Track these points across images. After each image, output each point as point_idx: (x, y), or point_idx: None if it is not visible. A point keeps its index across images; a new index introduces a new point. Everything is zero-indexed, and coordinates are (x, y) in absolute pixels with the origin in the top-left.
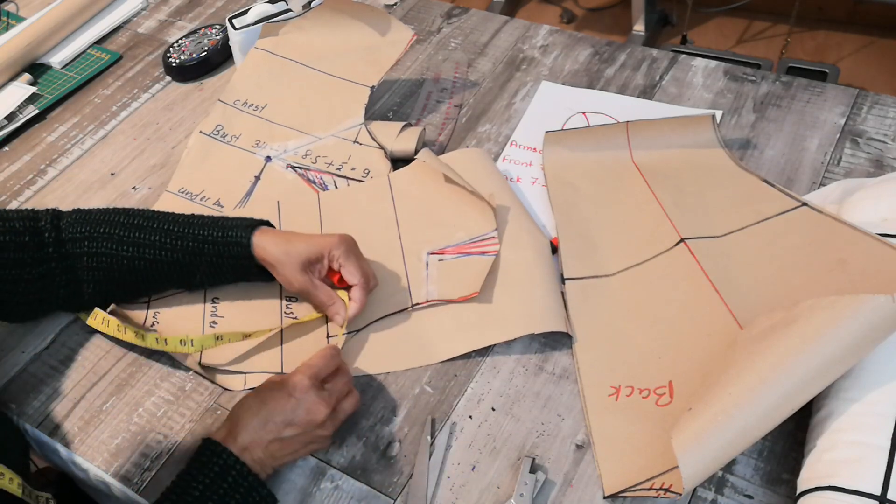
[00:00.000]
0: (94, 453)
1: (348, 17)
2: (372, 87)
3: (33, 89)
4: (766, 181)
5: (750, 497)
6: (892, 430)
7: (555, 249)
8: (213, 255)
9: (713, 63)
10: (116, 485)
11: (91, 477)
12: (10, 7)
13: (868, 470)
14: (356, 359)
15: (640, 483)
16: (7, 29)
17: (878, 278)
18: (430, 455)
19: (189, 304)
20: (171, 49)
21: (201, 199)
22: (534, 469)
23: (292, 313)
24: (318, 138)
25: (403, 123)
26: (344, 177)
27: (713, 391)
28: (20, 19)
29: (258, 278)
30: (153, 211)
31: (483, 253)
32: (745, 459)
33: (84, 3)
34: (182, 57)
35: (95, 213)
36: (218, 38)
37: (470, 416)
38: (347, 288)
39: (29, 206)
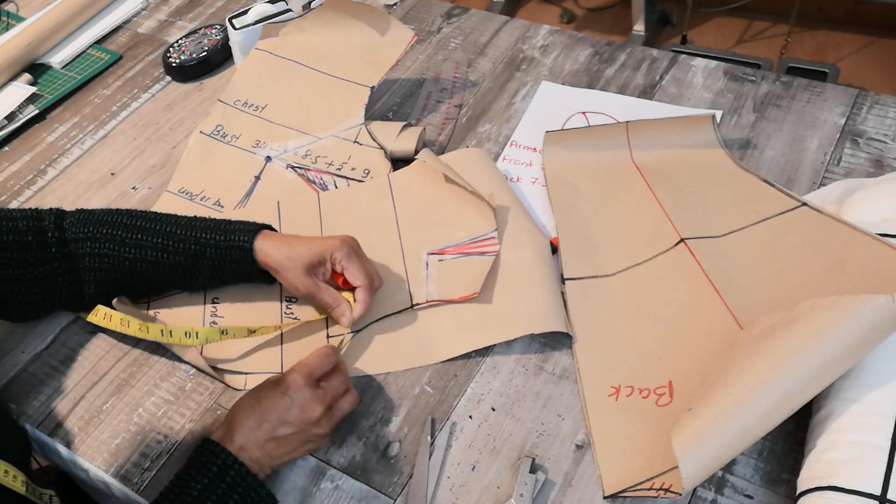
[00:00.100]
0: (95, 453)
1: (348, 18)
2: (372, 88)
3: (33, 89)
4: (766, 181)
5: (750, 497)
6: (892, 430)
7: (555, 249)
8: (215, 259)
9: (713, 63)
10: (116, 485)
11: (91, 477)
12: (10, 7)
13: (868, 470)
14: (356, 359)
15: (640, 483)
16: (7, 29)
17: (878, 278)
18: (430, 455)
19: (189, 304)
20: (171, 49)
21: (201, 200)
22: (534, 469)
23: (292, 314)
24: (318, 138)
25: (403, 123)
26: (344, 177)
27: (713, 391)
28: (20, 19)
29: (260, 281)
30: (156, 213)
31: (483, 253)
32: (745, 459)
33: (84, 3)
34: (182, 57)
35: (99, 213)
36: (218, 38)
37: (470, 416)
38: (352, 289)
39: (29, 206)
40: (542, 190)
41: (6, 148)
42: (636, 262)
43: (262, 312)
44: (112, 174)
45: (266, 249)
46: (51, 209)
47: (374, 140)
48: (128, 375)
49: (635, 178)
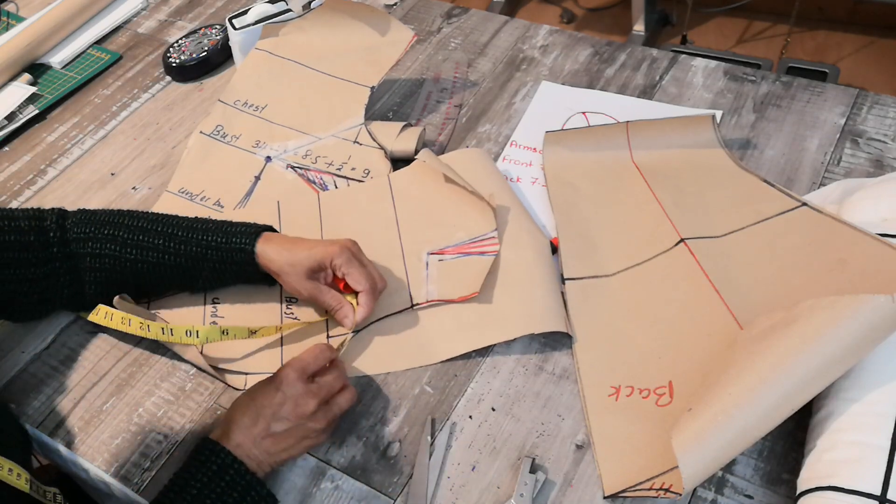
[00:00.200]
0: (95, 453)
1: (348, 18)
2: (372, 88)
3: (33, 89)
4: (766, 181)
5: (750, 497)
6: (892, 430)
7: (555, 249)
8: (216, 261)
9: (713, 63)
10: (116, 485)
11: (91, 477)
12: (10, 7)
13: (868, 470)
14: (356, 359)
15: (640, 483)
16: (7, 29)
17: (878, 278)
18: (430, 455)
19: (189, 305)
20: (171, 49)
21: (201, 200)
22: (534, 469)
23: (293, 314)
24: (318, 138)
25: (403, 123)
26: (344, 177)
27: (713, 391)
28: (20, 19)
29: (261, 282)
30: (158, 214)
31: (483, 253)
32: (745, 459)
33: (84, 3)
34: (182, 57)
35: (100, 213)
36: (218, 38)
37: (470, 417)
38: (355, 292)
39: (29, 206)
40: (542, 190)
41: (6, 148)
42: (636, 262)
43: (262, 313)
44: (112, 174)
45: (268, 254)
46: (53, 209)
47: (374, 140)
48: (128, 375)
49: (635, 178)
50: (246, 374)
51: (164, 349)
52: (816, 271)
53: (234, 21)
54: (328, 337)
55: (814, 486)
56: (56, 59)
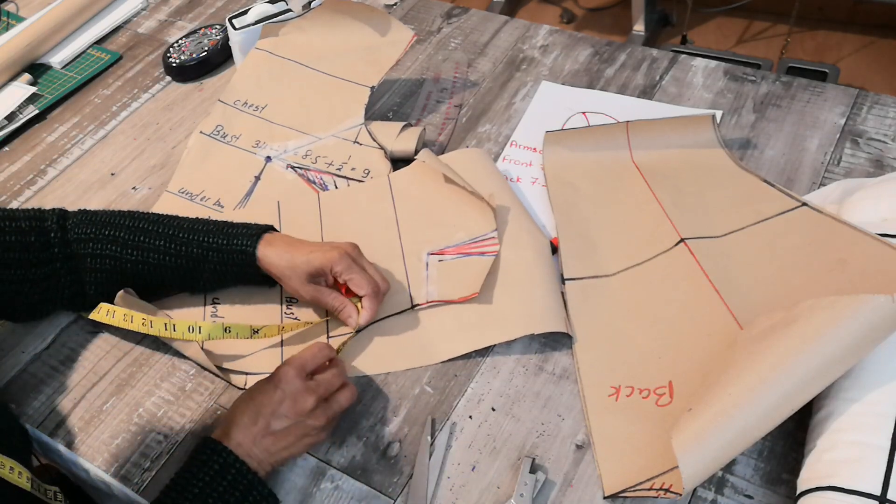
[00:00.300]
0: (95, 453)
1: (348, 18)
2: (372, 88)
3: (33, 89)
4: (766, 181)
5: (750, 497)
6: (892, 430)
7: (555, 249)
8: (217, 263)
9: (713, 63)
10: (117, 485)
11: (91, 476)
12: (10, 7)
13: (868, 470)
14: (356, 359)
15: (640, 483)
16: (7, 29)
17: (878, 278)
18: (430, 455)
19: (189, 305)
20: (171, 49)
21: (201, 200)
22: (534, 469)
23: (293, 314)
24: (318, 138)
25: (403, 123)
26: (344, 177)
27: (713, 391)
28: (20, 19)
29: (261, 284)
30: (159, 215)
31: (483, 253)
32: (745, 459)
33: (84, 3)
34: (182, 57)
35: (101, 214)
36: (218, 38)
37: (470, 417)
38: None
39: (29, 206)
40: (542, 190)
41: (6, 148)
42: (636, 262)
43: (262, 313)
44: (112, 174)
45: (269, 257)
46: (53, 209)
47: (374, 140)
48: (128, 375)
49: (635, 178)
50: (246, 373)
51: (164, 349)
52: (816, 271)
53: (234, 21)
54: (328, 338)
55: (814, 486)
56: (56, 59)
